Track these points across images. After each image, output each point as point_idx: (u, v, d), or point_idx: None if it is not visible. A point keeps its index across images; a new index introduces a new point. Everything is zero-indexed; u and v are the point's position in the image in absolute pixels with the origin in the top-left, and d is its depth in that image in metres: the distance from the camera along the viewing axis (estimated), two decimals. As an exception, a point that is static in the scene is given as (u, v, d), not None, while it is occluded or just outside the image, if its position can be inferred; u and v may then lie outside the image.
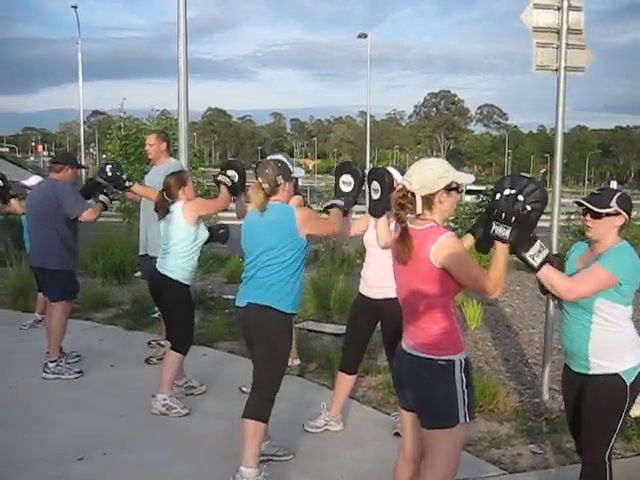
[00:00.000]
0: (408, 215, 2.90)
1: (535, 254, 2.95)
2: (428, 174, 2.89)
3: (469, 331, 7.22)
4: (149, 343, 6.59)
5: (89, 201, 5.94)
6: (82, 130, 40.46)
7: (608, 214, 3.11)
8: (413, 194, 2.88)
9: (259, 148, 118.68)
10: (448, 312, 2.92)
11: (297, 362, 5.88)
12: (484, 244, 3.13)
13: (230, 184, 5.09)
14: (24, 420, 4.82)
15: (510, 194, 2.78)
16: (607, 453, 3.16)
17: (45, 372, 5.72)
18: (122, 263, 10.13)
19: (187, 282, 4.97)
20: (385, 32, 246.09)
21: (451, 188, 2.92)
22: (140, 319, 7.62)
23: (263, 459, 3.94)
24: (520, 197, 2.75)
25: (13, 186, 7.18)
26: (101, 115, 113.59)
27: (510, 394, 5.30)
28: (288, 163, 4.00)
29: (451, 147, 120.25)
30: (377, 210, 4.07)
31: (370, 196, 4.12)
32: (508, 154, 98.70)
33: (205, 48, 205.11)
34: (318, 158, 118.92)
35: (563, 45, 5.10)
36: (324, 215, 4.22)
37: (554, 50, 5.15)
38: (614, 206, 3.10)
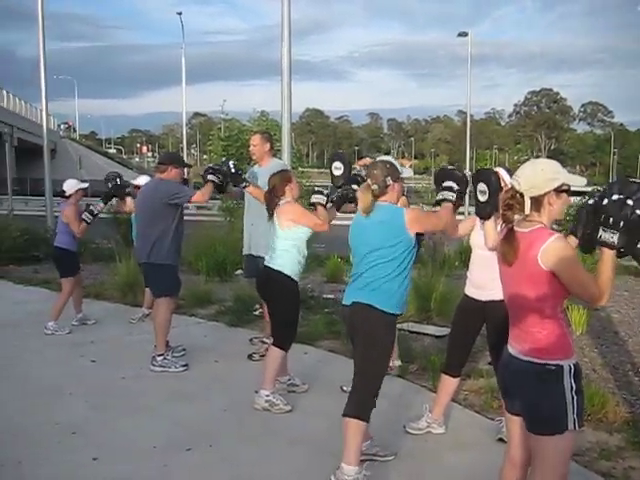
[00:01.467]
0: (515, 216, 2.85)
1: None
2: (538, 175, 2.83)
3: (574, 337, 6.99)
4: (251, 340, 6.73)
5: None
6: (184, 132, 41.76)
7: None
8: (522, 195, 2.82)
9: (356, 148, 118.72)
10: (556, 316, 2.85)
11: (398, 363, 5.85)
12: (587, 244, 3.05)
13: (325, 203, 5.05)
14: (135, 409, 5.04)
15: (618, 199, 2.67)
16: None
17: (153, 365, 5.94)
18: (224, 261, 10.38)
19: (295, 277, 5.04)
20: (485, 30, 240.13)
21: (561, 190, 2.84)
22: (242, 316, 7.79)
23: (364, 459, 3.95)
24: (629, 202, 2.64)
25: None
26: (202, 117, 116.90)
27: (620, 404, 5.10)
28: (396, 164, 4.00)
29: (552, 147, 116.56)
30: (485, 212, 4.00)
31: (476, 198, 4.06)
32: (613, 153, 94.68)
33: (302, 49, 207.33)
34: (415, 158, 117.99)
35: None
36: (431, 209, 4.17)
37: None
38: None
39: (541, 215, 2.84)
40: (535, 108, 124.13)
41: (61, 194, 7.42)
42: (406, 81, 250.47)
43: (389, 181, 3.82)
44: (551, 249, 2.72)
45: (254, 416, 4.89)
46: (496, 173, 4.02)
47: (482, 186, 3.95)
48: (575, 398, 2.78)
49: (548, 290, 2.77)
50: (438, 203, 4.09)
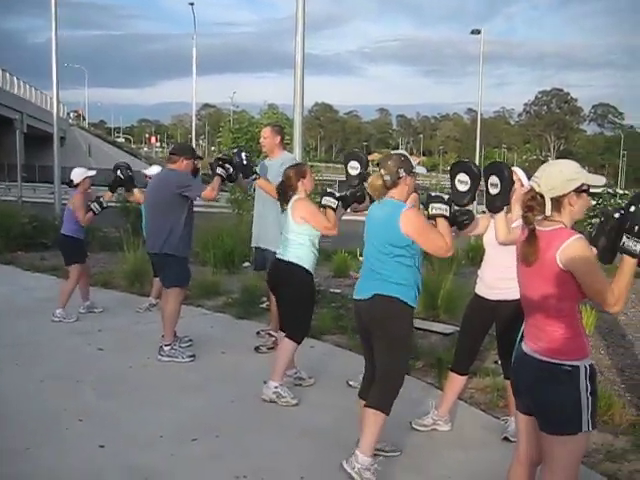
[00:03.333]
0: (536, 217, 2.84)
1: None
2: (558, 176, 2.84)
3: (582, 338, 6.95)
4: (258, 333, 6.73)
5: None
6: (194, 122, 41.75)
7: None
8: (542, 196, 2.83)
9: (365, 144, 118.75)
10: (573, 316, 2.84)
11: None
12: (607, 255, 3.04)
13: (336, 207, 5.02)
14: (142, 398, 5.06)
15: None
16: None
17: (160, 355, 5.95)
18: (232, 253, 10.41)
19: (311, 270, 5.02)
20: (496, 28, 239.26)
21: (582, 190, 2.85)
22: (249, 308, 7.80)
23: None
24: None
25: (135, 175, 7.52)
26: (211, 108, 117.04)
27: (626, 406, 5.08)
28: (410, 159, 4.01)
29: (561, 147, 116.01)
30: (495, 205, 3.97)
31: (487, 191, 4.04)
32: (623, 155, 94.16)
33: (313, 43, 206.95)
34: (424, 155, 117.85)
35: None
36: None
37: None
38: None
39: (562, 216, 2.84)
40: (545, 108, 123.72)
41: (68, 183, 7.43)
42: (416, 77, 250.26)
43: (402, 173, 3.82)
44: (571, 248, 2.72)
45: (261, 408, 4.91)
46: (509, 167, 4.01)
47: (494, 179, 3.93)
48: (590, 399, 2.77)
49: (565, 290, 2.77)
50: (432, 217, 3.97)
